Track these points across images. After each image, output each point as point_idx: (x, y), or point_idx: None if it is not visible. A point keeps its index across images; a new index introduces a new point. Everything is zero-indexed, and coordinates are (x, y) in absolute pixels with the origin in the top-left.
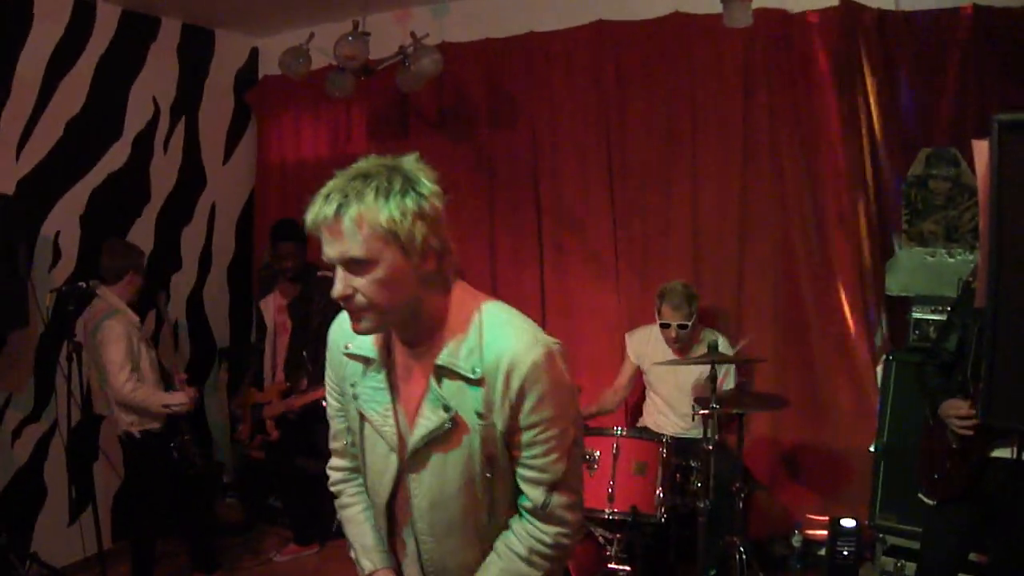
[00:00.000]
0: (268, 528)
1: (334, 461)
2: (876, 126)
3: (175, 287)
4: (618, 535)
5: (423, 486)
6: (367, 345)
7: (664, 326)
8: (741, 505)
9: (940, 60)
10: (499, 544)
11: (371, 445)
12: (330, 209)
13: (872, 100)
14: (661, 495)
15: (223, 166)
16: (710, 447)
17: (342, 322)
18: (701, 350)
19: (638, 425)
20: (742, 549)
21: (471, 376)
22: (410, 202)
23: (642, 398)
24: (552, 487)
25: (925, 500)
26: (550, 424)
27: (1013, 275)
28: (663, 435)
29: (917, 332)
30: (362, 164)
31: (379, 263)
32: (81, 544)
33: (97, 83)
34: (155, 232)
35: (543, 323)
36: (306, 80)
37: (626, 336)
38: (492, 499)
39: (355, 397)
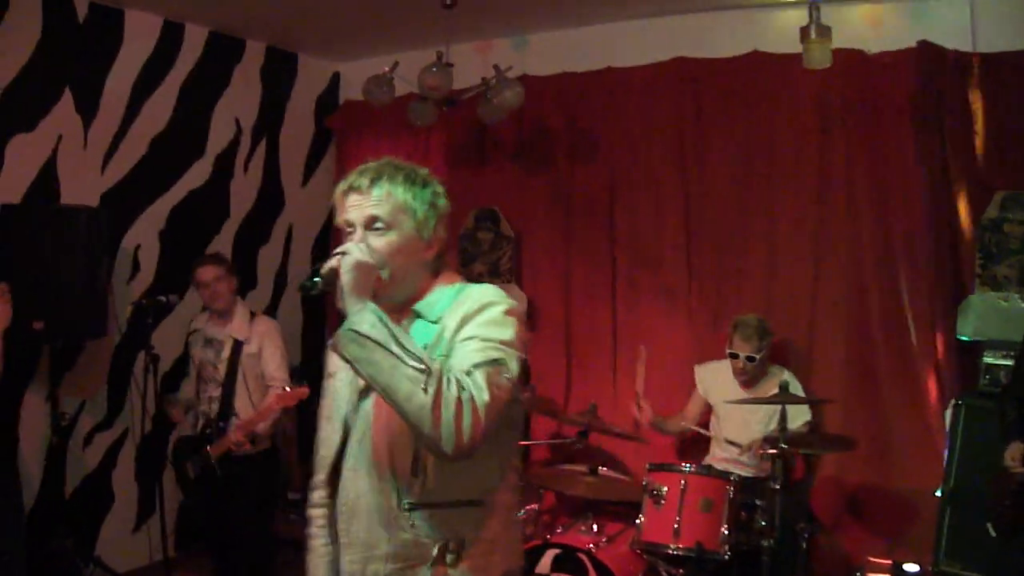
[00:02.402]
0: None
1: (317, 478)
2: (951, 168)
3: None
4: (681, 570)
5: (365, 417)
6: None
7: (732, 356)
8: (805, 545)
9: (1017, 102)
10: None
11: (326, 423)
12: (365, 180)
13: (947, 142)
14: (726, 532)
15: (302, 188)
16: (776, 486)
17: None
18: (768, 386)
19: (704, 463)
20: None
21: (432, 319)
22: (429, 194)
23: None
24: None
25: (991, 531)
26: (476, 341)
27: None
28: (731, 473)
29: (988, 377)
30: (387, 158)
31: (396, 230)
32: (147, 551)
33: (182, 102)
34: (232, 250)
35: (614, 354)
36: (388, 107)
37: (695, 368)
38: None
39: (329, 378)
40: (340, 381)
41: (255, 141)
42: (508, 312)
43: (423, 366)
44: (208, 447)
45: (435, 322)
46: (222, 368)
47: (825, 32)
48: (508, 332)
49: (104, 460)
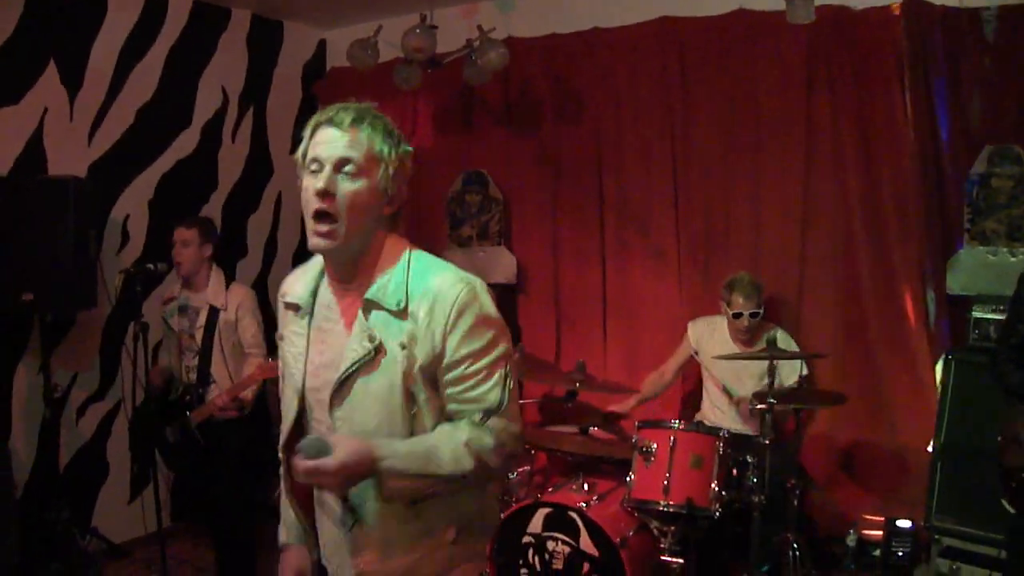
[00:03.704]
0: None
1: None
2: (939, 123)
3: (240, 274)
4: (672, 528)
5: (346, 421)
6: (298, 292)
7: (736, 316)
8: (796, 502)
9: (1005, 57)
10: (440, 428)
11: (284, 387)
12: (348, 117)
13: (935, 97)
14: (716, 489)
15: (290, 156)
16: (766, 442)
17: (287, 279)
18: (762, 344)
19: (695, 420)
20: (796, 546)
21: (395, 309)
22: (401, 150)
23: (699, 393)
24: (488, 413)
25: (1008, 508)
26: (479, 356)
27: None
28: (720, 429)
29: (977, 331)
30: (368, 103)
31: (366, 178)
32: (142, 521)
33: (168, 72)
34: (222, 219)
35: (603, 315)
36: (374, 72)
37: (689, 323)
38: (411, 436)
39: (280, 339)
40: (289, 352)
41: (242, 110)
42: (478, 304)
43: (462, 476)
44: (189, 413)
45: (397, 311)
46: (198, 336)
47: None
48: (491, 329)
49: (98, 431)
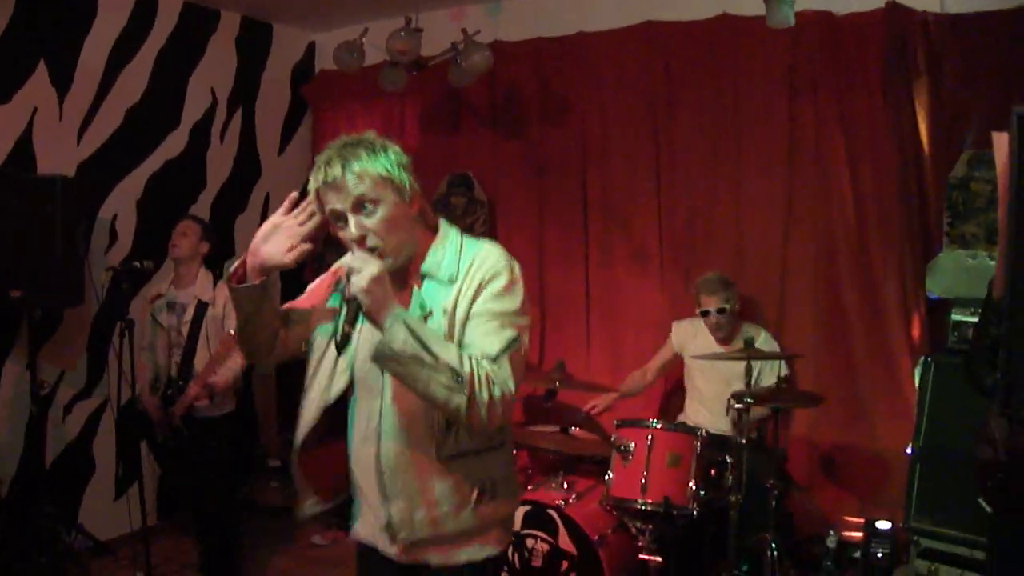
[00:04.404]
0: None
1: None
2: (920, 128)
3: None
4: (650, 526)
5: (394, 382)
6: None
7: (704, 314)
8: (775, 503)
9: (984, 62)
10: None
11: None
12: (337, 170)
13: (916, 102)
14: (694, 488)
15: (278, 157)
16: (743, 441)
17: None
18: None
19: (678, 421)
20: (774, 546)
21: (446, 280)
22: (393, 155)
23: (681, 394)
24: (484, 358)
25: (985, 507)
26: (493, 318)
27: None
28: (699, 429)
29: (956, 334)
30: (339, 139)
31: (382, 203)
32: (127, 518)
33: (157, 73)
34: (210, 219)
35: (587, 316)
36: (362, 75)
37: (673, 323)
38: None
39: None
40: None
41: (231, 111)
42: (513, 279)
43: (457, 374)
44: (171, 407)
45: (449, 282)
46: (185, 330)
47: None
48: (518, 299)
49: (84, 429)
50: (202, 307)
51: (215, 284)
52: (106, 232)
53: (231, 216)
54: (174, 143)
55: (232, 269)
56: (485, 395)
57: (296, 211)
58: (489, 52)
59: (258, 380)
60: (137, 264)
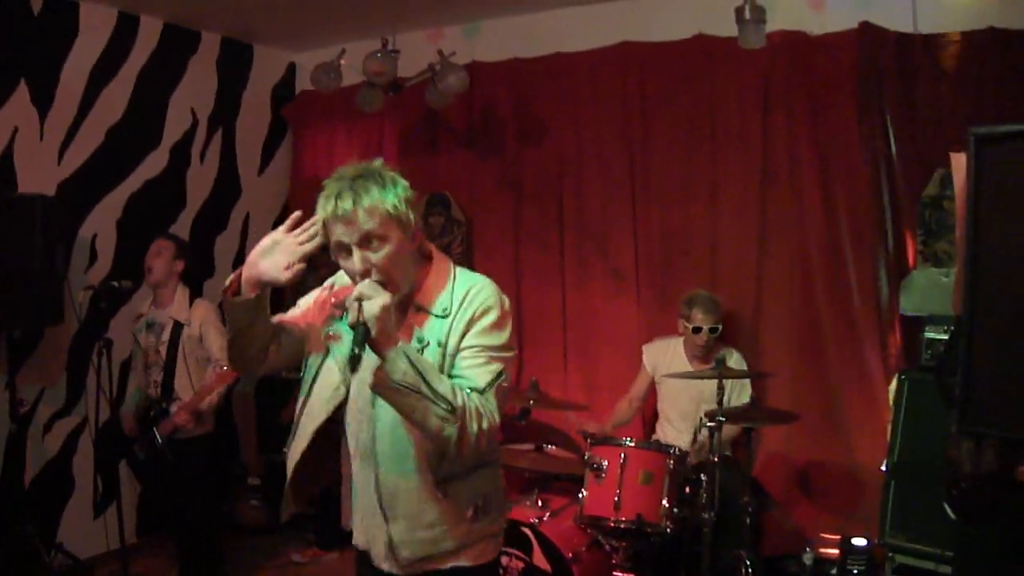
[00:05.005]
0: (291, 531)
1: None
2: (893, 147)
3: (208, 293)
4: (624, 543)
5: (390, 410)
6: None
7: (696, 330)
8: (749, 520)
9: (957, 81)
10: None
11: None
12: (348, 204)
13: (889, 121)
14: (667, 505)
15: (258, 177)
16: (715, 459)
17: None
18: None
19: (652, 439)
20: (748, 563)
21: (440, 314)
22: (400, 191)
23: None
24: (472, 390)
25: (951, 514)
26: (483, 351)
27: (988, 282)
28: (671, 447)
29: (930, 352)
30: (348, 169)
31: (389, 240)
32: (105, 538)
33: (138, 93)
34: (190, 239)
35: (564, 335)
36: (341, 95)
37: (644, 347)
38: None
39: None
40: (337, 356)
41: (211, 131)
42: (503, 314)
43: (451, 406)
44: (154, 428)
45: (443, 316)
46: (163, 351)
47: (759, 13)
48: (506, 334)
49: (64, 447)
50: (178, 327)
51: (191, 303)
52: (86, 251)
53: (211, 236)
54: (154, 163)
55: (227, 282)
56: (475, 426)
57: (298, 231)
58: (465, 73)
59: (237, 399)
60: (115, 284)
